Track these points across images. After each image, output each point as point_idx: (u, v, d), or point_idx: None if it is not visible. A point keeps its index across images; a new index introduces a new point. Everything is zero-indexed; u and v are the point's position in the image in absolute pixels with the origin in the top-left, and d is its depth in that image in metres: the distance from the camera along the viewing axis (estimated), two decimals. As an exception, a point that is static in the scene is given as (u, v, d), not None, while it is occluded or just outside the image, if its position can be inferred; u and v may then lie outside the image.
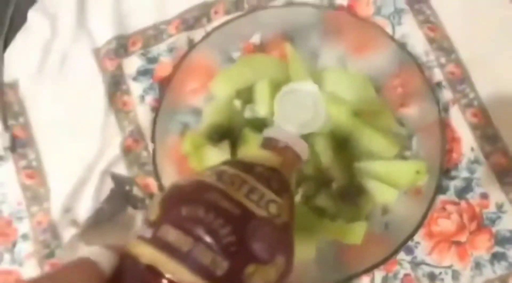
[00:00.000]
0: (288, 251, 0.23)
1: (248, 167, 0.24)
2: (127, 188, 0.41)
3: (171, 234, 0.20)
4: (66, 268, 0.19)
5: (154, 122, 0.38)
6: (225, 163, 0.25)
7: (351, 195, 0.36)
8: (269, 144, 0.27)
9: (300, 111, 0.27)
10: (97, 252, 0.20)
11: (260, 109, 0.38)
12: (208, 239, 0.20)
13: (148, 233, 0.21)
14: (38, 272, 0.39)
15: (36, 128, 0.43)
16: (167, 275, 0.19)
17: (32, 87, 0.44)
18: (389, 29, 0.44)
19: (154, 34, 0.45)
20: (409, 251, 0.39)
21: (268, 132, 0.27)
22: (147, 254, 0.20)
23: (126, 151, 0.42)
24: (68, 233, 0.40)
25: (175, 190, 0.23)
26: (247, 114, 0.38)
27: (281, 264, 0.22)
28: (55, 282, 0.19)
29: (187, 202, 0.21)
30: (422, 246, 0.39)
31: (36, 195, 0.41)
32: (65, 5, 0.45)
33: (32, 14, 0.45)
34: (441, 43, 0.43)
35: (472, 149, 0.41)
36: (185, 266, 0.19)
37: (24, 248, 0.40)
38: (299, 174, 0.36)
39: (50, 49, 0.44)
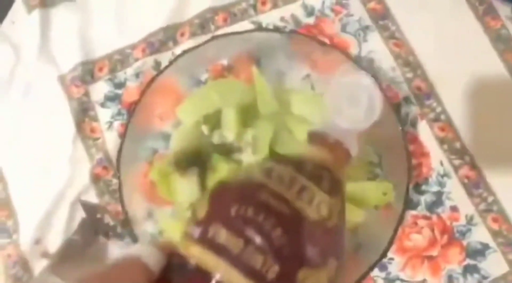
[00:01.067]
0: (340, 254, 0.22)
1: (298, 164, 0.23)
2: (98, 216, 0.40)
3: (221, 235, 0.19)
4: (117, 267, 0.19)
5: (120, 148, 0.38)
6: (273, 159, 0.24)
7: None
8: (318, 139, 0.25)
9: (354, 105, 0.26)
10: (147, 251, 0.20)
11: (228, 134, 0.37)
12: (259, 240, 0.19)
13: (197, 232, 0.20)
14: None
15: (2, 159, 0.42)
16: (217, 277, 0.19)
17: (-4, 116, 0.43)
18: (355, 46, 0.44)
19: (120, 59, 0.44)
20: (383, 268, 0.40)
21: (317, 127, 0.26)
22: (197, 254, 0.19)
23: (96, 178, 0.41)
24: (39, 265, 0.39)
25: (223, 187, 0.22)
26: (215, 139, 0.38)
27: (332, 268, 0.21)
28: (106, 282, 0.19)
29: (237, 201, 0.20)
30: (395, 261, 0.40)
31: (4, 227, 0.41)
32: (27, 32, 0.44)
33: (-4, 42, 0.45)
34: (407, 59, 0.44)
35: (441, 163, 0.41)
36: (236, 268, 0.19)
37: (-6, 283, 0.39)
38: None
39: (14, 77, 0.43)
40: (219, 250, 0.19)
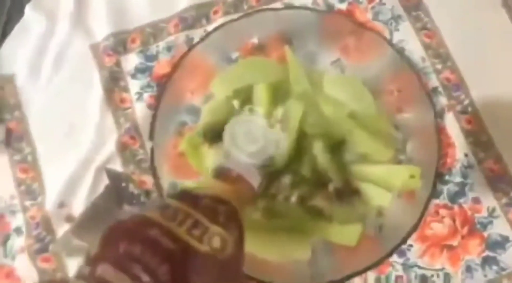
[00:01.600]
0: (235, 281, 0.23)
1: (194, 200, 0.24)
2: (123, 184, 0.41)
3: (109, 273, 0.20)
4: None
5: (153, 120, 0.38)
6: (173, 195, 0.24)
7: (347, 197, 0.36)
8: (221, 173, 0.27)
9: (250, 142, 0.28)
10: None
11: (259, 110, 0.38)
12: (145, 278, 0.19)
13: (86, 270, 0.20)
14: (31, 267, 0.38)
15: (32, 122, 0.43)
16: None
17: (28, 81, 0.44)
18: (386, 35, 0.44)
19: (153, 32, 0.45)
20: (402, 254, 0.40)
21: (220, 161, 0.27)
22: None
23: (122, 147, 0.42)
24: (62, 228, 0.39)
25: (116, 225, 0.22)
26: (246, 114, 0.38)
27: None
28: None
29: (126, 239, 0.21)
30: (414, 248, 0.40)
31: (30, 189, 0.41)
32: (63, 1, 0.44)
33: (30, 9, 0.45)
34: (437, 50, 0.44)
35: (466, 155, 0.42)
36: None
37: (17, 242, 0.39)
38: (296, 175, 0.36)
39: (47, 44, 0.44)
40: None
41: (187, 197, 0.24)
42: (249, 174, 0.27)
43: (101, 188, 0.40)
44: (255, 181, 0.27)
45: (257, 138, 0.29)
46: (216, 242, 0.22)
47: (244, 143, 0.29)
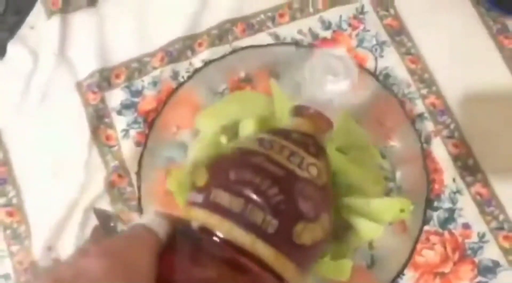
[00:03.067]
0: (330, 210, 0.24)
1: (285, 134, 0.25)
2: (112, 224, 0.40)
3: (223, 197, 0.21)
4: (125, 236, 0.20)
5: (141, 156, 0.38)
6: (261, 132, 0.25)
7: (338, 231, 0.36)
8: (300, 111, 0.28)
9: (331, 75, 0.28)
10: (152, 220, 0.20)
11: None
12: (258, 199, 0.21)
13: (199, 198, 0.22)
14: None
15: (16, 164, 0.42)
16: (221, 234, 0.20)
17: (11, 120, 0.43)
18: (371, 61, 0.44)
19: (138, 67, 0.44)
20: (395, 283, 0.40)
21: (299, 102, 0.28)
22: (200, 217, 0.21)
23: (110, 186, 0.41)
24: (50, 273, 0.39)
25: (220, 157, 0.24)
26: (233, 150, 0.38)
27: (325, 222, 0.23)
28: (117, 253, 0.19)
29: (234, 166, 0.22)
30: (407, 277, 0.40)
31: (16, 233, 0.40)
32: (45, 38, 0.44)
33: (12, 47, 0.44)
34: (422, 75, 0.44)
35: (454, 180, 0.42)
36: (239, 225, 0.20)
37: (5, 290, 0.39)
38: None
39: (31, 82, 0.43)
40: (221, 210, 0.21)
41: (276, 131, 0.25)
42: (327, 109, 0.28)
43: (89, 228, 0.40)
44: (333, 114, 0.28)
45: (337, 71, 0.29)
46: (313, 170, 0.23)
47: (324, 76, 0.29)
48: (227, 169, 0.22)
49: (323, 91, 0.29)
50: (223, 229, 0.20)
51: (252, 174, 0.22)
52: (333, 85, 0.28)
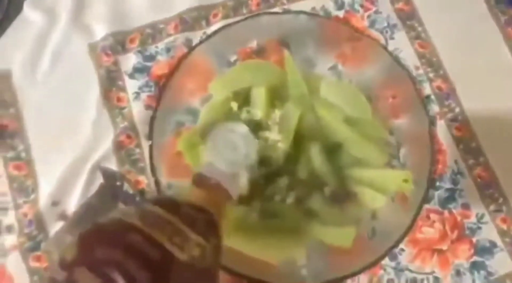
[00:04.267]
0: None
1: (174, 206, 0.23)
2: (118, 183, 0.40)
3: (86, 278, 0.19)
4: None
5: (152, 120, 0.38)
6: (152, 201, 0.24)
7: (342, 200, 0.37)
8: (199, 180, 0.26)
9: (231, 150, 0.28)
10: None
11: (256, 112, 0.38)
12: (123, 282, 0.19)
13: (62, 275, 0.20)
14: (22, 265, 0.38)
15: (27, 120, 0.42)
16: None
17: (25, 78, 0.43)
18: (382, 43, 0.45)
19: (152, 33, 0.45)
20: (393, 257, 0.40)
21: (199, 169, 0.27)
22: None
23: (118, 147, 0.41)
24: (54, 226, 0.39)
25: (93, 229, 0.22)
26: (243, 116, 0.38)
27: None
28: None
29: (105, 243, 0.20)
30: (406, 252, 0.40)
31: (23, 186, 0.40)
32: (62, -1, 0.44)
33: (28, 6, 0.45)
34: (430, 59, 0.45)
35: (456, 162, 0.43)
36: None
37: (8, 240, 0.39)
38: (293, 177, 0.36)
39: (45, 41, 0.44)
40: None
41: (166, 203, 0.24)
42: (228, 182, 0.27)
43: (95, 187, 0.40)
44: (235, 189, 0.27)
45: (238, 146, 0.29)
46: (196, 251, 0.21)
47: (224, 151, 0.29)
48: (98, 244, 0.20)
49: (222, 163, 0.28)
50: None
51: (123, 253, 0.20)
52: (232, 159, 0.28)
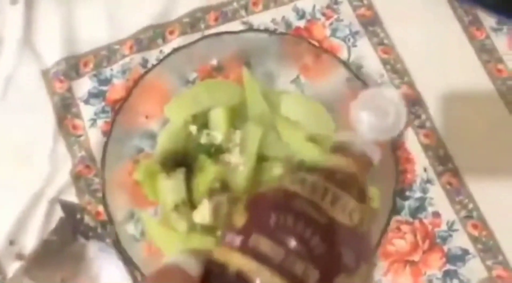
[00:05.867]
0: (370, 259, 0.23)
1: (328, 174, 0.23)
2: (78, 216, 0.39)
3: (263, 244, 0.20)
4: (158, 276, 0.19)
5: (105, 146, 0.37)
6: (304, 168, 0.24)
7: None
8: (343, 149, 0.26)
9: (382, 117, 0.27)
10: (184, 259, 0.20)
11: (216, 135, 0.37)
12: (300, 249, 0.20)
13: (237, 241, 0.20)
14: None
15: (-22, 154, 0.40)
16: None
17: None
18: (344, 51, 0.44)
19: (107, 55, 0.43)
20: (366, 272, 0.40)
21: (342, 137, 0.27)
22: (239, 262, 0.20)
23: (77, 177, 0.40)
24: (12, 267, 0.37)
25: (260, 196, 0.23)
26: (203, 140, 0.37)
27: (364, 272, 0.22)
28: None
29: (275, 210, 0.21)
30: (378, 266, 0.40)
31: (-23, 226, 0.39)
32: (10, 24, 0.42)
33: (-26, 33, 0.43)
34: (395, 65, 0.44)
35: (425, 169, 0.42)
36: (279, 275, 0.19)
37: (-36, 285, 0.37)
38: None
39: (-6, 71, 0.42)
40: (261, 258, 0.20)
41: (321, 170, 0.24)
42: (370, 148, 0.26)
43: (54, 222, 0.39)
44: (376, 155, 0.26)
45: (388, 114, 0.27)
46: (356, 217, 0.22)
47: (373, 117, 0.28)
48: (268, 211, 0.21)
49: (370, 131, 0.27)
50: (262, 278, 0.19)
51: (294, 220, 0.20)
52: (382, 126, 0.26)
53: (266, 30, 0.43)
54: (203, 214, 0.34)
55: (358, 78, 0.37)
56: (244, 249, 0.20)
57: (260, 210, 0.22)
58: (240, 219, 0.21)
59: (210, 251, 0.21)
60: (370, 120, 0.27)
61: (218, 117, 0.37)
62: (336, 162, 0.25)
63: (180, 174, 0.36)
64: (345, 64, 0.39)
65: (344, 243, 0.21)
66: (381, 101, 0.28)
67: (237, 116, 0.38)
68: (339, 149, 0.26)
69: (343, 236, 0.21)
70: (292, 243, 0.20)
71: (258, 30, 0.43)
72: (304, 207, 0.21)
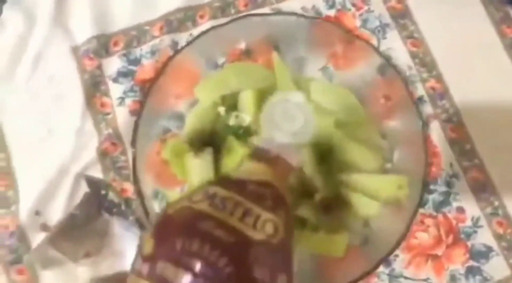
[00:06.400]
0: (288, 268, 0.22)
1: (239, 186, 0.23)
2: (103, 192, 0.39)
3: (169, 271, 0.19)
4: None
5: (136, 125, 0.37)
6: (215, 181, 0.23)
7: (333, 207, 0.36)
8: (259, 155, 0.26)
9: (290, 121, 0.27)
10: None
11: (245, 117, 0.37)
12: (206, 272, 0.19)
13: (145, 268, 0.20)
14: (4, 279, 0.37)
15: (7, 126, 0.41)
16: None
17: (4, 83, 0.42)
18: (374, 43, 0.44)
19: (137, 35, 0.43)
20: (388, 264, 0.39)
21: (257, 143, 0.26)
22: None
23: (103, 154, 0.40)
24: (37, 238, 0.38)
25: (166, 220, 0.22)
26: (231, 121, 0.37)
27: (284, 282, 0.21)
28: None
29: (181, 234, 0.20)
30: (400, 259, 0.39)
31: (3, 197, 0.39)
32: (42, 1, 0.43)
33: (7, 8, 0.43)
34: (424, 59, 0.44)
35: (451, 164, 0.42)
36: None
37: (-11, 253, 0.37)
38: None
39: (25, 45, 0.42)
40: None
41: (231, 183, 0.24)
42: (288, 154, 0.26)
43: (79, 196, 0.39)
44: (294, 159, 0.27)
45: (295, 116, 0.27)
46: (269, 228, 0.21)
47: (282, 122, 0.27)
48: (173, 237, 0.21)
49: (281, 135, 0.28)
50: None
51: (200, 243, 0.20)
52: (291, 130, 0.28)
53: (294, 13, 0.42)
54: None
55: (391, 66, 0.37)
56: (152, 276, 0.20)
57: (166, 236, 0.21)
58: (148, 246, 0.21)
59: (121, 278, 0.21)
60: (280, 125, 0.27)
61: (247, 100, 0.37)
62: (250, 169, 0.25)
63: (207, 154, 0.36)
64: (378, 51, 0.38)
65: (256, 258, 0.20)
66: (288, 106, 0.28)
67: (266, 100, 0.38)
68: (256, 155, 0.26)
69: (255, 252, 0.21)
70: (198, 266, 0.19)
71: (287, 13, 0.43)
72: (210, 227, 0.20)
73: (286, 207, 0.24)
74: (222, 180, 0.24)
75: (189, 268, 0.19)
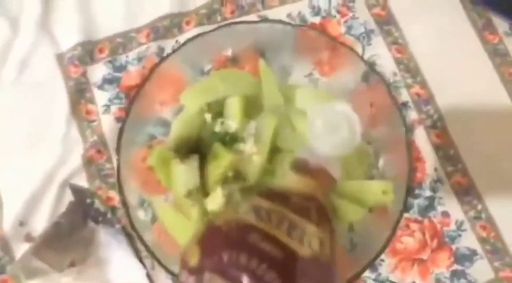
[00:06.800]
0: None
1: (284, 199, 0.23)
2: (88, 201, 0.39)
3: None
4: None
5: (120, 132, 0.37)
6: (258, 193, 0.23)
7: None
8: (301, 167, 0.25)
9: (333, 131, 0.26)
10: None
11: (231, 124, 0.37)
12: None
13: (191, 281, 0.20)
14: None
15: (-10, 135, 0.40)
16: None
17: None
18: (359, 49, 0.45)
19: (122, 42, 0.43)
20: (374, 269, 0.40)
21: (300, 154, 0.26)
22: None
23: (88, 162, 0.40)
24: (21, 248, 0.37)
25: (212, 232, 0.22)
26: (217, 128, 0.37)
27: None
28: None
29: (227, 247, 0.20)
30: (386, 263, 0.40)
31: (-14, 207, 0.39)
32: (27, 7, 0.42)
33: (-8, 14, 0.43)
34: (408, 65, 0.45)
35: (435, 169, 0.42)
36: None
37: (-29, 264, 0.37)
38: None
39: (9, 52, 0.42)
40: None
41: (275, 195, 0.23)
42: (330, 165, 0.26)
43: (64, 205, 0.38)
44: (337, 170, 0.26)
45: (341, 128, 0.26)
46: (315, 243, 0.21)
47: (326, 133, 0.27)
48: (221, 248, 0.20)
49: (324, 147, 0.27)
50: None
51: (248, 257, 0.20)
52: (335, 142, 0.26)
53: (280, 21, 0.43)
54: (215, 201, 0.34)
55: (375, 72, 0.37)
56: None
57: (212, 247, 0.21)
58: (193, 258, 0.21)
59: None
60: (323, 136, 0.26)
61: (233, 106, 0.37)
62: (293, 182, 0.24)
63: (193, 160, 0.36)
64: (362, 57, 0.39)
65: (303, 274, 0.20)
66: (333, 116, 0.27)
67: (252, 107, 0.38)
68: (298, 167, 0.26)
69: (302, 267, 0.20)
70: (246, 280, 0.19)
71: (273, 20, 0.43)
72: (258, 241, 0.20)
73: (330, 220, 0.24)
74: (265, 192, 0.24)
75: (236, 281, 0.19)
